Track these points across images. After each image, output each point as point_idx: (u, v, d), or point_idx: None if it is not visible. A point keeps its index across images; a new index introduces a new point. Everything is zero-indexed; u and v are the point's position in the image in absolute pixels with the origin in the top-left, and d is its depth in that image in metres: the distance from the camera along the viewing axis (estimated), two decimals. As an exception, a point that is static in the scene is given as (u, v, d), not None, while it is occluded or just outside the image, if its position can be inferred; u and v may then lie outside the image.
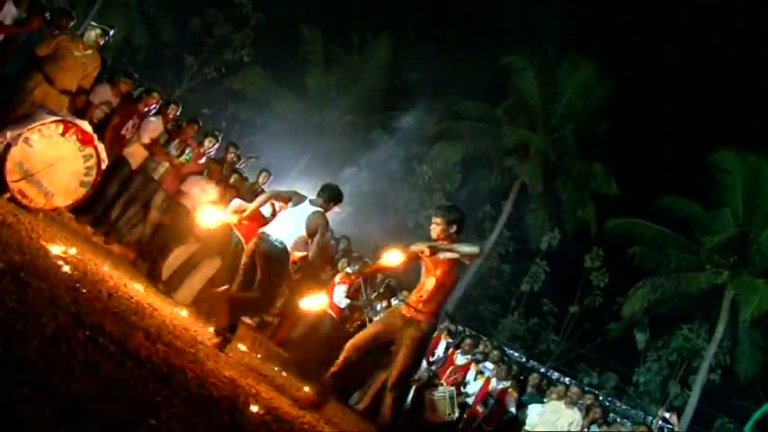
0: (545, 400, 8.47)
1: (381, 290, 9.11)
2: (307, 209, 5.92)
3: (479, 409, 8.12)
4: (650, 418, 16.53)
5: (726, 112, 24.56)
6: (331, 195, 6.03)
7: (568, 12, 23.60)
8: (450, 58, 24.71)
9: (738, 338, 19.18)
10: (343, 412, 6.80)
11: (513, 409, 8.31)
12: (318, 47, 24.73)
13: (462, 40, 25.07)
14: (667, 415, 11.79)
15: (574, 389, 8.47)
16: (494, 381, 8.51)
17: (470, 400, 8.36)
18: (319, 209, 5.92)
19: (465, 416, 8.02)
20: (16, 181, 5.95)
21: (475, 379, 8.57)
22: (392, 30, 24.55)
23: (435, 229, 5.22)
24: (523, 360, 21.41)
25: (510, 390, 8.45)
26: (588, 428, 7.93)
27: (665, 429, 13.75)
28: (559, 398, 8.25)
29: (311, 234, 5.87)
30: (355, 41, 25.16)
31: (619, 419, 12.39)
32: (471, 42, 24.72)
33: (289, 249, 5.83)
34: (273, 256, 5.77)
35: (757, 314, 17.43)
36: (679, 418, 15.68)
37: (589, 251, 23.38)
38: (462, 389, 8.46)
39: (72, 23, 7.33)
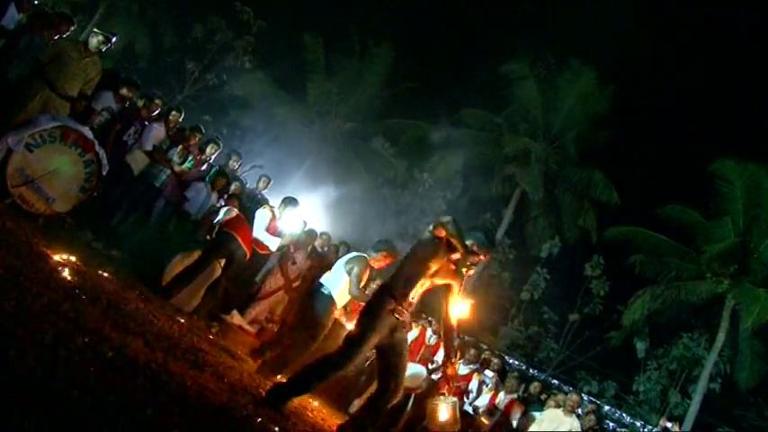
0: (544, 407, 8.46)
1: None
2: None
3: (484, 420, 8.08)
4: (650, 426, 16.49)
5: (727, 121, 24.63)
6: (387, 249, 6.46)
7: (569, 20, 23.68)
8: (451, 66, 24.80)
9: (739, 348, 19.13)
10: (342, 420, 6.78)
11: (516, 423, 8.27)
12: (320, 54, 24.78)
13: (463, 49, 25.16)
14: (669, 425, 11.76)
15: (573, 396, 8.48)
16: (501, 393, 8.50)
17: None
18: (361, 254, 6.45)
19: (470, 429, 7.96)
20: (17, 186, 5.95)
21: (478, 389, 8.54)
22: (393, 38, 24.63)
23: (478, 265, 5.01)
24: (523, 368, 21.34)
25: (516, 402, 8.43)
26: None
27: (666, 438, 13.70)
28: (558, 406, 8.25)
29: (349, 273, 6.32)
30: (357, 49, 25.19)
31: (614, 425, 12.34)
32: (472, 50, 24.81)
33: (335, 298, 6.35)
34: (313, 307, 6.35)
35: (758, 323, 17.42)
36: (680, 427, 15.60)
37: (589, 259, 23.34)
38: (465, 398, 8.43)
39: (73, 28, 7.33)
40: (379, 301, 4.67)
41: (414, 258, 4.72)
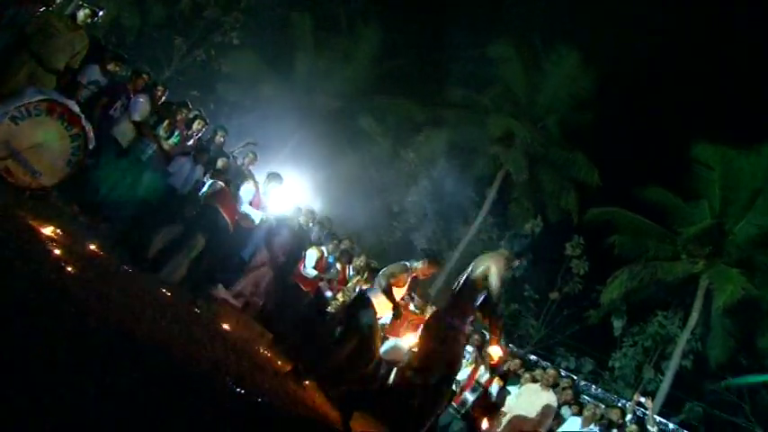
0: (521, 382, 8.57)
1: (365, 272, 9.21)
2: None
3: (468, 396, 8.15)
4: (623, 401, 16.75)
5: (707, 107, 24.75)
6: (431, 259, 6.59)
7: (555, 4, 23.63)
8: (438, 46, 24.70)
9: (711, 326, 19.48)
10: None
11: (495, 396, 8.34)
12: (307, 32, 24.59)
13: (450, 29, 25.03)
14: (642, 399, 11.92)
15: (550, 371, 8.60)
16: (481, 368, 8.59)
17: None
18: (404, 263, 6.46)
19: (453, 402, 8.02)
20: (2, 159, 5.90)
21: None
22: (381, 17, 24.47)
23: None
24: (503, 344, 21.54)
25: (496, 378, 8.52)
26: (559, 410, 8.06)
27: (638, 412, 13.94)
28: (534, 381, 8.37)
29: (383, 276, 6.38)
30: (344, 28, 25.04)
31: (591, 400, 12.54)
32: (458, 31, 24.68)
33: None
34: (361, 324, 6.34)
35: (729, 303, 17.73)
36: (653, 402, 15.88)
37: (570, 239, 23.54)
38: None
39: (59, 1, 7.24)
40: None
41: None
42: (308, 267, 8.81)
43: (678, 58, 25.35)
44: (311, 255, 8.86)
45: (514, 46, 23.17)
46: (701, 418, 20.11)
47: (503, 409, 8.17)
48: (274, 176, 8.59)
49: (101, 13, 7.41)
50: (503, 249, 6.24)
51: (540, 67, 23.39)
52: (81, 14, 7.01)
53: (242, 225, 8.12)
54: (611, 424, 8.34)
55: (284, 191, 8.85)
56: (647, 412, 11.65)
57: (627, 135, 22.73)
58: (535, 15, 23.78)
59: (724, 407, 20.35)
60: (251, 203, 8.25)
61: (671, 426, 16.77)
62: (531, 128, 23.54)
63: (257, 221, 8.35)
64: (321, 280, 9.10)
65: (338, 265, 9.44)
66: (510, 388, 8.39)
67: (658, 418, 15.20)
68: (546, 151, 23.74)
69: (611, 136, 22.81)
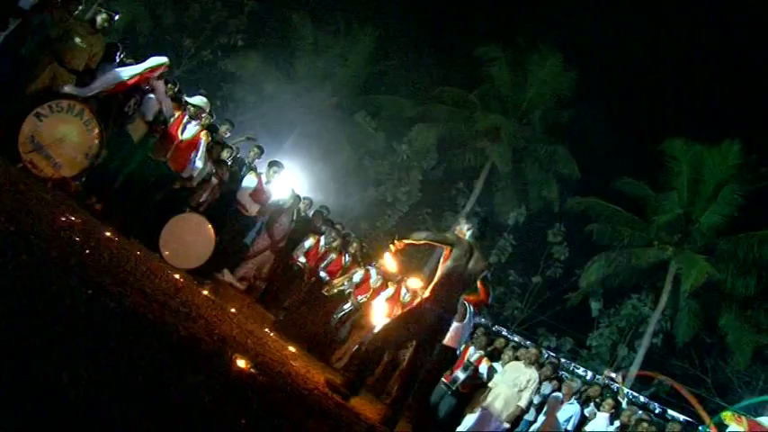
0: (503, 359, 8.66)
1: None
2: None
3: (459, 374, 8.19)
4: (598, 377, 16.93)
5: (677, 105, 24.92)
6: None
7: (540, 7, 23.68)
8: (429, 46, 24.73)
9: (678, 307, 19.71)
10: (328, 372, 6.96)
11: (485, 375, 8.42)
12: (307, 33, 24.58)
13: (441, 31, 25.06)
14: (613, 375, 12.06)
15: (532, 350, 8.68)
16: (471, 349, 8.67)
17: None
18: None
19: (444, 380, 8.05)
20: (28, 152, 6.02)
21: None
22: (376, 19, 24.48)
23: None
24: (489, 325, 21.73)
25: (485, 358, 8.60)
26: (540, 384, 8.17)
27: (611, 386, 14.11)
28: (517, 359, 8.45)
29: None
30: (342, 29, 25.03)
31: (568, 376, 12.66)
32: (449, 32, 24.71)
33: None
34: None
35: (695, 286, 17.96)
36: (624, 378, 16.01)
37: (552, 227, 23.70)
38: None
39: (80, 7, 7.29)
40: None
41: None
42: (300, 255, 8.88)
43: (651, 60, 25.47)
44: (305, 243, 8.93)
45: (501, 47, 23.20)
46: (668, 391, 20.35)
47: (489, 384, 8.27)
48: (275, 164, 8.67)
49: (117, 17, 7.46)
50: None
51: (525, 67, 23.42)
52: (99, 19, 7.08)
53: (243, 214, 8.21)
54: (588, 399, 8.44)
55: (286, 179, 8.89)
56: (618, 386, 11.80)
57: (604, 130, 22.82)
58: (521, 19, 23.81)
59: (689, 380, 20.62)
60: (252, 195, 8.32)
61: (642, 399, 16.95)
62: (515, 123, 23.63)
63: (253, 213, 8.41)
64: (320, 263, 9.18)
65: (333, 255, 9.48)
66: (497, 364, 8.48)
67: (630, 392, 15.41)
68: (529, 145, 23.84)
69: (590, 131, 22.93)
